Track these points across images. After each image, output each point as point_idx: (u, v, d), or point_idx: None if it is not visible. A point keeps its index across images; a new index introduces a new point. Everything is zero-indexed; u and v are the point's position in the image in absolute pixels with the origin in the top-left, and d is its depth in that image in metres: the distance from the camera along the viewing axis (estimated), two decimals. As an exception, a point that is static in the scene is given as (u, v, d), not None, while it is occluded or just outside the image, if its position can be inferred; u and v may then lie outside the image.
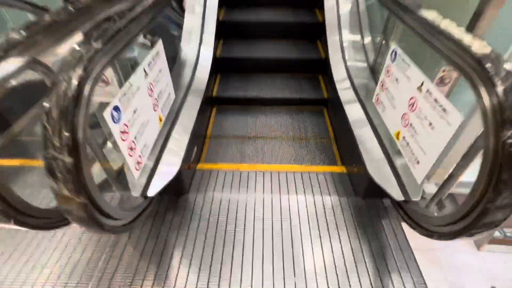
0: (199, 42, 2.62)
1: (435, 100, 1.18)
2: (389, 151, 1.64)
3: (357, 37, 2.52)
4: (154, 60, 1.48)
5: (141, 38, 1.85)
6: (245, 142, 2.47)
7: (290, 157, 2.33)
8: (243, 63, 3.05)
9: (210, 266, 1.53)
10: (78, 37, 1.18)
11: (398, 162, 1.57)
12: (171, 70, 1.75)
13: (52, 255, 1.55)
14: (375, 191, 1.61)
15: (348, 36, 2.58)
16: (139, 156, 1.33)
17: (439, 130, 1.16)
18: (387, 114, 1.61)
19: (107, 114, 1.05)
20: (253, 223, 1.72)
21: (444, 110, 1.12)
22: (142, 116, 1.34)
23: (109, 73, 1.34)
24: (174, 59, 2.38)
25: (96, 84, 0.89)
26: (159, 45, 1.56)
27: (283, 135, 2.54)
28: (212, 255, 1.57)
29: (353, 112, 2.01)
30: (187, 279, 1.49)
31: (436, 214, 1.23)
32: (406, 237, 1.62)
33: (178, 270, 1.52)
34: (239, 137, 2.52)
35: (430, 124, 1.21)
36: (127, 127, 1.20)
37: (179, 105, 1.98)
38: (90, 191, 0.85)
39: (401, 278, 1.48)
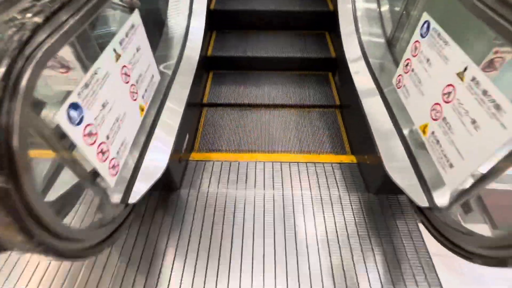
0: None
1: (484, 93, 0.92)
2: (411, 145, 1.42)
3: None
4: (129, 36, 1.19)
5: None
6: (244, 111, 2.27)
7: (293, 132, 2.12)
8: (240, 17, 2.73)
9: (205, 274, 1.38)
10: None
11: (422, 159, 1.35)
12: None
13: (25, 269, 1.38)
14: (389, 187, 1.40)
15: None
16: (114, 158, 1.10)
17: (486, 131, 0.92)
18: (412, 101, 1.35)
19: (61, 116, 0.81)
20: (253, 224, 1.54)
21: (497, 107, 0.87)
22: (115, 110, 1.09)
23: (69, 54, 1.06)
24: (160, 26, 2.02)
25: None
26: (135, 17, 1.26)
27: (286, 103, 2.31)
28: (207, 262, 1.41)
29: (365, 87, 1.72)
30: (180, 288, 1.34)
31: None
32: (424, 241, 1.45)
33: (169, 279, 1.37)
34: (236, 106, 2.31)
35: (474, 122, 0.97)
36: (94, 127, 0.96)
37: (168, 84, 1.68)
38: (18, 170, 0.56)
39: (417, 287, 1.33)
